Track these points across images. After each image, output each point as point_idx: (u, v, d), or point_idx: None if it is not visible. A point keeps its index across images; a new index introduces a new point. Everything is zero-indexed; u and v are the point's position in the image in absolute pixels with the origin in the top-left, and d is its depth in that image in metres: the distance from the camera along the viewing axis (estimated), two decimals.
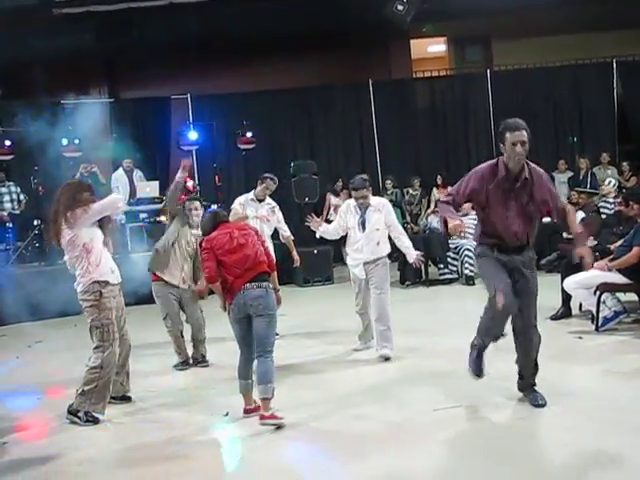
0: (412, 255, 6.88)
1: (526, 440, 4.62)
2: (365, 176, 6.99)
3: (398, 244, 6.94)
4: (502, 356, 6.39)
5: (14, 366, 7.78)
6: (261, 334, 5.24)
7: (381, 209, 6.76)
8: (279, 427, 5.08)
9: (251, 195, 7.95)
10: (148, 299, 9.81)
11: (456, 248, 10.74)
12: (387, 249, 6.84)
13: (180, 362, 7.06)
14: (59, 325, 9.34)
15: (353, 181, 6.86)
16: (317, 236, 7.35)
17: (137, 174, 12.60)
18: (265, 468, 4.53)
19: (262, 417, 5.12)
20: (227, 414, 5.47)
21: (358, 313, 7.06)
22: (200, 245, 5.59)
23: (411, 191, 13.64)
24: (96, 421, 5.51)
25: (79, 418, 5.51)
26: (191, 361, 7.09)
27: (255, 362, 5.26)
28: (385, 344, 6.65)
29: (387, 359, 6.58)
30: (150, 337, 8.32)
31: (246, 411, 5.41)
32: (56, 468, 4.76)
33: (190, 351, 7.12)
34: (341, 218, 6.97)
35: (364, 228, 6.74)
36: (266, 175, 8.03)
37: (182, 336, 7.05)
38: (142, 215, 11.66)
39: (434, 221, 11.51)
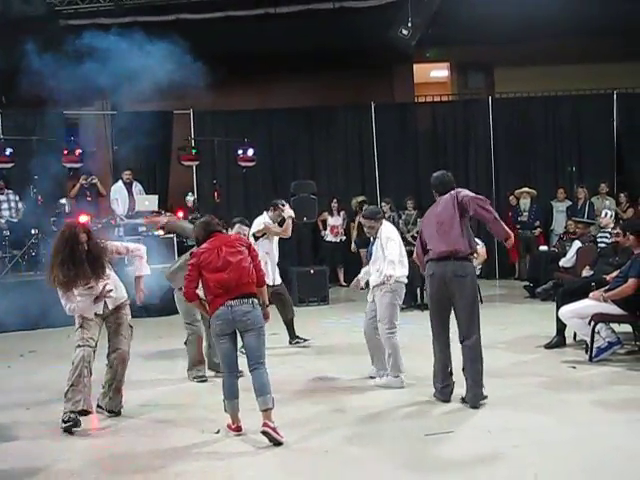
0: (384, 272, 6.39)
1: (517, 469, 4.60)
2: (378, 209, 7.12)
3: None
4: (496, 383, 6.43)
5: (5, 375, 7.74)
6: (253, 347, 5.31)
7: (379, 235, 6.63)
8: (278, 444, 5.10)
9: (267, 219, 8.47)
10: (142, 314, 9.87)
11: None
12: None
13: (198, 375, 7.06)
14: (52, 335, 9.31)
15: (366, 209, 7.08)
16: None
17: (136, 187, 12.62)
18: None
19: (266, 425, 5.11)
20: (218, 431, 5.45)
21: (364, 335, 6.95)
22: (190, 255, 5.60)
23: (407, 211, 13.74)
24: (76, 423, 5.55)
25: (64, 423, 5.58)
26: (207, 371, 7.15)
27: (251, 375, 5.30)
28: (381, 372, 6.60)
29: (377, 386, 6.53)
30: (147, 350, 8.32)
31: (237, 429, 5.40)
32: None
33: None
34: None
35: (371, 256, 6.76)
36: (278, 202, 8.61)
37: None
38: (140, 228, 11.66)
39: None
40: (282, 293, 8.61)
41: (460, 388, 6.00)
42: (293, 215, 8.48)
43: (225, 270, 5.29)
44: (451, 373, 6.07)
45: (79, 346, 5.76)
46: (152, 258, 11.01)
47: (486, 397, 5.89)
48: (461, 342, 5.90)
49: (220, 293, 5.26)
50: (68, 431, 5.54)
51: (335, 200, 13.86)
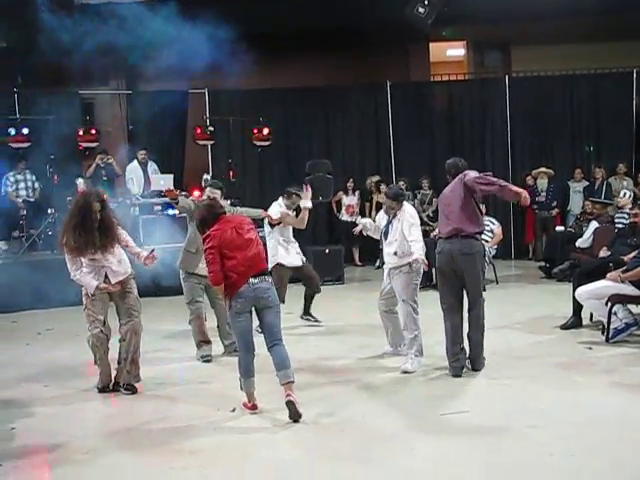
0: (414, 257, 6.41)
1: (533, 449, 4.61)
2: (401, 189, 7.12)
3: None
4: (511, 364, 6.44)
5: (23, 353, 7.82)
6: (272, 323, 5.39)
7: (400, 217, 6.60)
8: (297, 418, 5.17)
9: (283, 206, 8.31)
10: (155, 292, 9.92)
11: None
12: (409, 258, 6.48)
13: (204, 354, 7.10)
14: (70, 314, 9.34)
15: (390, 187, 7.12)
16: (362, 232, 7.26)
17: (152, 166, 12.63)
18: (269, 463, 4.56)
19: (290, 395, 5.20)
20: (234, 410, 5.49)
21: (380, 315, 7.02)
22: (204, 240, 5.47)
23: (422, 191, 13.72)
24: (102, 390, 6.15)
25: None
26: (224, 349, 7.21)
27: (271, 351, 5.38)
28: (412, 354, 6.48)
29: (406, 372, 6.40)
30: (163, 329, 8.38)
31: (253, 407, 5.44)
32: (62, 456, 4.80)
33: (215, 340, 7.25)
34: (378, 221, 7.03)
35: (386, 237, 6.70)
36: (293, 191, 8.34)
37: (205, 318, 7.17)
38: (155, 208, 11.69)
39: None
40: (310, 270, 8.68)
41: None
42: (310, 206, 8.05)
43: (247, 248, 5.36)
44: (462, 348, 6.31)
45: (88, 330, 5.98)
46: (168, 237, 11.19)
47: (484, 359, 6.40)
48: (468, 312, 6.32)
49: (243, 271, 5.29)
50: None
51: (351, 180, 13.84)
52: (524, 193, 5.96)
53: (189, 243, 7.15)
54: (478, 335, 6.33)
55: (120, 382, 6.13)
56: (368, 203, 13.76)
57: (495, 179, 6.09)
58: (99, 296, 5.97)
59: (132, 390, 6.07)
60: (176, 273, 7.35)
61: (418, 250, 6.40)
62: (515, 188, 6.06)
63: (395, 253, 6.55)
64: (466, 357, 6.32)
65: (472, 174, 6.14)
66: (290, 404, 5.18)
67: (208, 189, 7.44)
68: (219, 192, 7.31)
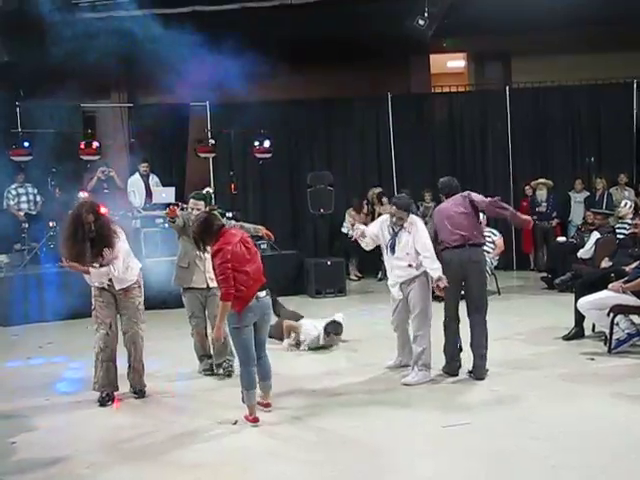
0: (434, 276, 6.29)
1: (535, 461, 4.59)
2: (411, 199, 7.00)
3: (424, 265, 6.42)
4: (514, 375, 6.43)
5: (24, 366, 7.80)
6: (263, 339, 5.62)
7: (410, 230, 6.43)
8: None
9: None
10: (160, 305, 9.90)
11: None
12: (423, 269, 6.41)
13: (205, 368, 7.07)
14: (71, 327, 9.38)
15: (399, 197, 6.80)
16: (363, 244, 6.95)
17: (153, 179, 12.64)
18: (271, 477, 4.55)
19: (269, 405, 5.68)
20: (235, 422, 5.47)
21: (394, 331, 6.88)
22: (214, 255, 5.34)
23: (425, 203, 13.70)
24: (102, 402, 6.12)
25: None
26: (215, 369, 7.05)
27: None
28: (417, 368, 6.43)
29: (407, 385, 6.36)
30: (166, 341, 8.36)
31: (254, 420, 5.42)
32: (64, 470, 4.78)
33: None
34: (378, 230, 6.71)
35: (393, 251, 6.50)
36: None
37: (206, 335, 7.04)
38: (157, 220, 11.68)
39: None
40: None
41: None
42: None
43: (255, 261, 5.44)
44: (461, 349, 6.64)
45: (96, 330, 6.12)
46: (171, 250, 11.16)
47: (487, 370, 6.48)
48: (472, 318, 6.49)
49: (252, 285, 5.33)
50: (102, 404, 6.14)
51: (366, 202, 13.81)
52: (531, 221, 6.83)
53: (180, 258, 7.07)
54: (482, 343, 6.45)
55: (130, 383, 6.34)
56: (370, 215, 13.74)
57: (506, 205, 6.74)
58: (107, 299, 6.11)
59: (140, 395, 6.28)
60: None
61: (438, 269, 6.29)
62: (524, 216, 6.92)
63: (410, 265, 6.40)
64: (460, 359, 6.60)
65: (480, 197, 6.59)
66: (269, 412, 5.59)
67: (191, 201, 7.12)
68: (202, 203, 7.04)
